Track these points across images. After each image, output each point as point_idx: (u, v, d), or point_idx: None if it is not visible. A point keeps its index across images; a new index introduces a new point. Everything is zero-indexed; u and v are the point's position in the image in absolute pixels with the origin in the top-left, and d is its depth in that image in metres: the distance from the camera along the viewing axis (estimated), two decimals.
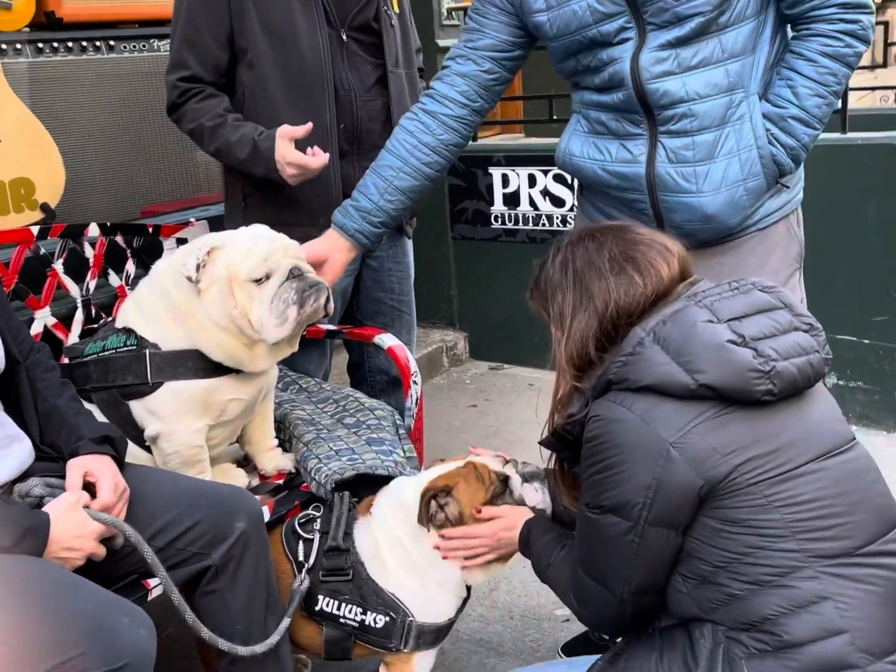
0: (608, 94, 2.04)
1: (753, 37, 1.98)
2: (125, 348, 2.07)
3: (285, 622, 1.94)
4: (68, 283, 2.46)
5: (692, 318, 1.53)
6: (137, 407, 2.09)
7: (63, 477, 1.80)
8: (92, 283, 2.52)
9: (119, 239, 2.58)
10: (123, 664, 1.50)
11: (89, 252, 2.52)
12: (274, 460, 2.36)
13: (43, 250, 2.41)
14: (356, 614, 1.98)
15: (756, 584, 1.48)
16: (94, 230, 2.52)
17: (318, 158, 2.38)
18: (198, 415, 2.09)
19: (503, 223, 4.47)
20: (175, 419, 2.07)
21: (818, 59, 1.94)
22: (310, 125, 2.38)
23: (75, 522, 1.70)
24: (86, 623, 1.52)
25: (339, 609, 1.99)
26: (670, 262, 1.64)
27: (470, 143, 4.61)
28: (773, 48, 2.01)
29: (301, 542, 2.04)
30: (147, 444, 2.12)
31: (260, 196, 2.57)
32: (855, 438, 1.61)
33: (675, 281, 1.63)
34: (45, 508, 1.71)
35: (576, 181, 2.50)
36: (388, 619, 1.97)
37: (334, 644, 2.02)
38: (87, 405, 2.03)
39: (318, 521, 2.07)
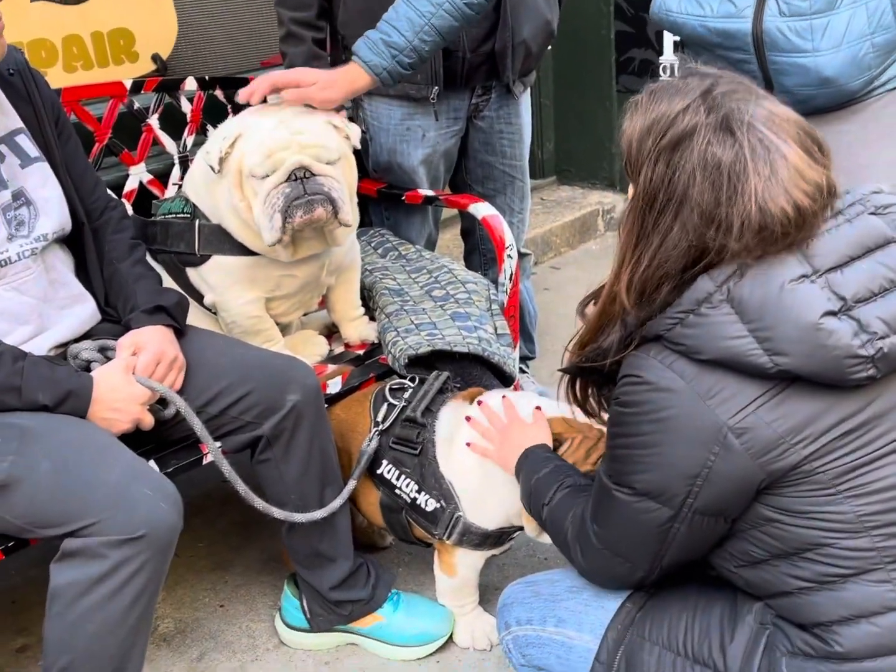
0: None
1: None
2: (182, 214, 2.03)
3: (350, 485, 1.95)
4: (164, 138, 2.41)
5: (779, 276, 1.20)
6: (193, 275, 2.07)
7: None
8: (189, 140, 2.47)
9: (218, 93, 2.50)
10: (140, 535, 1.51)
11: (186, 107, 2.45)
12: (358, 329, 2.32)
13: (137, 105, 2.35)
14: (412, 490, 1.95)
15: (814, 582, 1.25)
16: (191, 84, 2.44)
17: None
18: (246, 287, 2.04)
19: (673, 74, 4.08)
20: (224, 290, 2.04)
21: None
22: None
23: (120, 385, 1.71)
24: (106, 490, 1.54)
25: (398, 479, 1.97)
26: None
27: None
28: None
29: (386, 405, 2.02)
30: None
31: None
32: None
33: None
34: (93, 372, 1.73)
35: None
36: (438, 505, 1.92)
37: (390, 512, 2.00)
38: (156, 265, 2.04)
39: (409, 391, 2.04)
